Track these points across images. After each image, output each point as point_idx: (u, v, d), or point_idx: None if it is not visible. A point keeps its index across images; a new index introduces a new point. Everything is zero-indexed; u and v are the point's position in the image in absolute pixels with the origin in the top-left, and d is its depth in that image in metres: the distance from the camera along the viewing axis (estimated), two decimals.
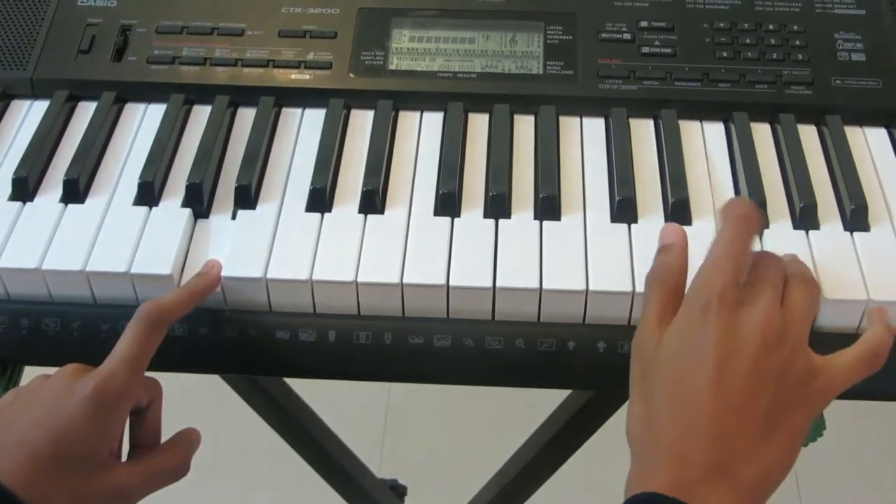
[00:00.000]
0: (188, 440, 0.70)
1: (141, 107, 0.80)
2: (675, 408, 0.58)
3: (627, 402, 0.61)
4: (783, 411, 0.58)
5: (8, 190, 0.74)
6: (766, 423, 0.58)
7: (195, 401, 1.82)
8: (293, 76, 0.80)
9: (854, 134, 0.77)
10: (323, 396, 1.21)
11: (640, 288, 0.66)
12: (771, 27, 0.81)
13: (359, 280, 0.67)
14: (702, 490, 0.55)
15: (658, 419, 0.58)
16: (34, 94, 0.81)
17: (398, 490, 1.37)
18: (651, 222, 0.71)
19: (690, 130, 0.78)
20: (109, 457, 0.63)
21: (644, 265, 0.65)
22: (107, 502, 0.63)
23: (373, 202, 0.72)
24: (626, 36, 0.81)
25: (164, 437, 0.70)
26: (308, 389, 1.15)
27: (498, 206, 0.71)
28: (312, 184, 0.73)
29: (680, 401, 0.58)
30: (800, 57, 0.79)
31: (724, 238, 0.62)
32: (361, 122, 0.78)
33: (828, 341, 0.67)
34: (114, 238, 0.70)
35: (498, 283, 0.67)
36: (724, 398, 0.57)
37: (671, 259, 0.64)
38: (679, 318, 0.60)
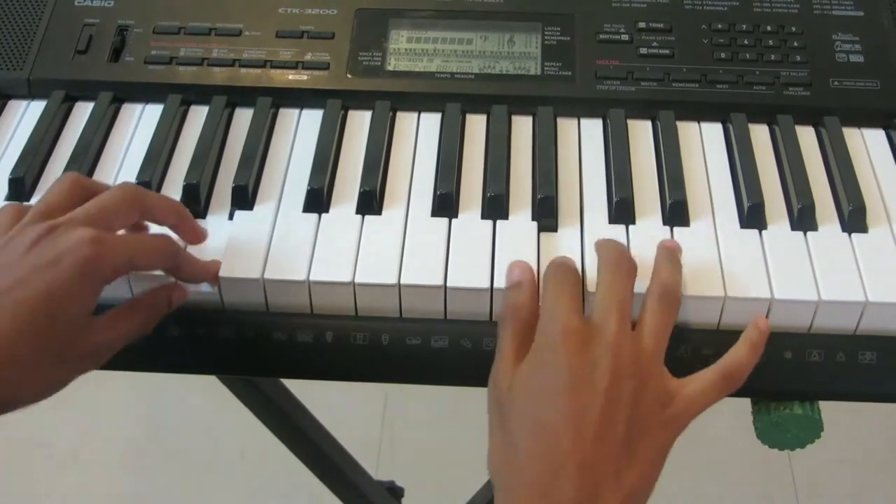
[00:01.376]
0: (161, 298, 0.66)
1: (138, 107, 0.80)
2: (534, 443, 0.58)
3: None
4: (641, 435, 0.59)
5: (4, 190, 0.74)
6: (626, 449, 0.58)
7: (191, 403, 1.82)
8: (291, 77, 0.80)
9: (852, 135, 0.77)
10: (319, 398, 1.20)
11: (638, 288, 0.65)
12: (769, 28, 0.81)
13: (356, 281, 0.67)
14: None
15: (518, 456, 0.58)
16: (31, 94, 0.81)
17: (395, 492, 1.36)
18: (649, 223, 0.71)
19: (688, 131, 0.77)
20: (91, 316, 0.61)
21: (642, 266, 0.65)
22: (84, 361, 0.61)
23: (370, 203, 0.72)
24: (624, 37, 0.81)
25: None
26: (304, 391, 1.15)
27: (496, 208, 0.71)
28: (310, 184, 0.72)
29: (539, 436, 0.58)
30: (798, 58, 0.79)
31: (555, 275, 0.63)
32: (359, 123, 0.78)
33: (826, 343, 0.67)
34: None
35: (495, 285, 0.67)
36: (583, 429, 0.57)
37: (521, 297, 0.65)
38: (531, 355, 0.61)
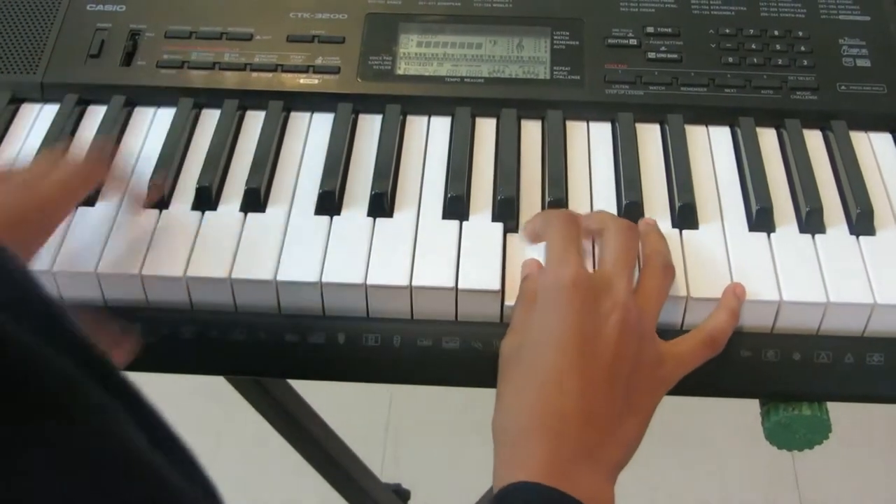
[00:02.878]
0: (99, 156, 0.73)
1: (150, 110, 0.81)
2: (540, 392, 0.59)
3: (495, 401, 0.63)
4: (636, 394, 0.61)
5: None
6: (626, 402, 0.60)
7: (196, 405, 1.82)
8: (302, 80, 0.80)
9: (859, 139, 0.77)
10: (324, 400, 1.21)
11: None
12: (776, 33, 0.81)
13: (368, 282, 0.68)
14: (574, 470, 0.57)
15: (526, 406, 0.59)
16: (44, 98, 0.81)
17: (402, 494, 1.37)
18: (658, 226, 0.71)
19: (697, 135, 0.78)
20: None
21: None
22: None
23: (382, 205, 0.72)
24: (633, 41, 0.81)
25: None
26: (309, 393, 1.16)
27: (506, 210, 0.72)
28: (322, 187, 0.73)
29: (545, 385, 0.59)
30: (805, 62, 0.80)
31: (556, 234, 0.65)
32: (369, 127, 0.79)
33: (835, 344, 0.67)
34: (124, 240, 0.70)
35: (506, 286, 0.68)
36: (589, 379, 0.59)
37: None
38: (538, 307, 0.62)
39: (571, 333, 0.60)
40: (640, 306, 0.63)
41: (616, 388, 0.60)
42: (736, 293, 0.67)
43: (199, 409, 1.79)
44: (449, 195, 0.72)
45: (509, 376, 0.62)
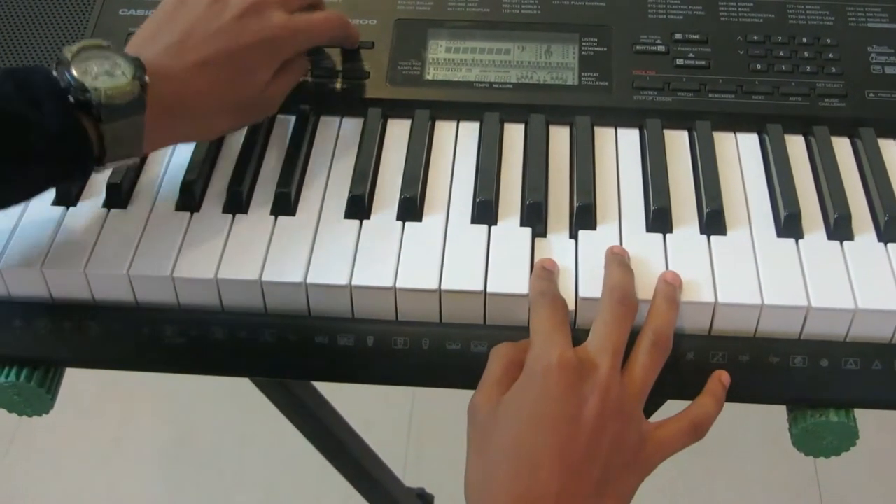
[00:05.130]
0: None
1: None
2: (514, 469, 0.59)
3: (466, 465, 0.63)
4: (615, 475, 0.61)
5: (51, 195, 0.75)
6: (599, 486, 0.60)
7: (220, 407, 1.84)
8: (331, 85, 0.81)
9: (888, 146, 0.77)
10: (345, 403, 1.21)
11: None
12: (804, 40, 0.82)
13: (397, 286, 0.68)
14: None
15: (497, 481, 0.60)
16: None
17: (426, 498, 1.37)
18: (686, 232, 0.72)
19: (725, 142, 0.78)
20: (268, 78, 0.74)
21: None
22: (257, 112, 0.75)
23: (411, 209, 0.73)
24: (661, 48, 0.81)
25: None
26: (330, 396, 1.16)
27: (534, 215, 0.72)
28: (352, 191, 0.73)
29: (520, 463, 0.59)
30: (833, 70, 0.80)
31: (544, 313, 0.65)
32: (399, 131, 0.79)
33: (863, 351, 0.68)
34: (156, 242, 0.71)
35: None
36: (564, 461, 0.59)
37: (514, 342, 0.67)
38: (520, 383, 0.63)
39: (551, 415, 0.60)
40: (623, 387, 0.63)
41: (592, 469, 0.60)
42: (722, 380, 0.67)
43: (222, 411, 1.80)
44: (478, 200, 0.73)
45: (482, 443, 0.62)
